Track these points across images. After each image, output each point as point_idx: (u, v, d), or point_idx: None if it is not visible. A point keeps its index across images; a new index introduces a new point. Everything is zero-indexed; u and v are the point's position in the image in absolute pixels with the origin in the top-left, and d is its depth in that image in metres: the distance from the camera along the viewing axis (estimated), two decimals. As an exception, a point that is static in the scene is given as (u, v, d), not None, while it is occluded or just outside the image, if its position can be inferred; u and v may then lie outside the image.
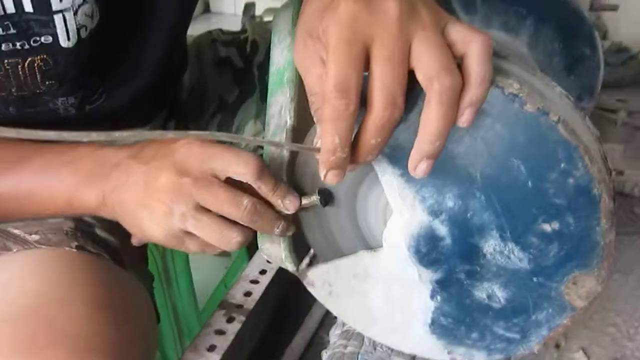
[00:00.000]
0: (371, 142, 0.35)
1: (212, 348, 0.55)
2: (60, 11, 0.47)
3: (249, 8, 2.09)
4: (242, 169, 0.42)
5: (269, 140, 0.45)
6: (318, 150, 0.37)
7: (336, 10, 0.34)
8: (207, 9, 3.32)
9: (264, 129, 0.79)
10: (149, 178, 0.44)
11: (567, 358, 0.53)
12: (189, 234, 0.44)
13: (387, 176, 0.41)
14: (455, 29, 0.35)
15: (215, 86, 0.78)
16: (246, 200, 0.42)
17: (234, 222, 0.43)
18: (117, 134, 0.32)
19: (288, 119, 0.48)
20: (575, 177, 0.36)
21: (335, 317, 0.66)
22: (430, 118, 0.33)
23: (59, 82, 0.52)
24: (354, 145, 0.36)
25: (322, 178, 0.37)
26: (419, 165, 0.35)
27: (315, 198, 0.44)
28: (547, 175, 0.36)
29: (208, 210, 0.43)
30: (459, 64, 0.34)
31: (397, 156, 0.40)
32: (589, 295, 0.40)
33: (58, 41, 0.48)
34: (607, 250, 0.38)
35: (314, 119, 0.39)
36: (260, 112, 0.78)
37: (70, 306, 0.46)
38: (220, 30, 0.86)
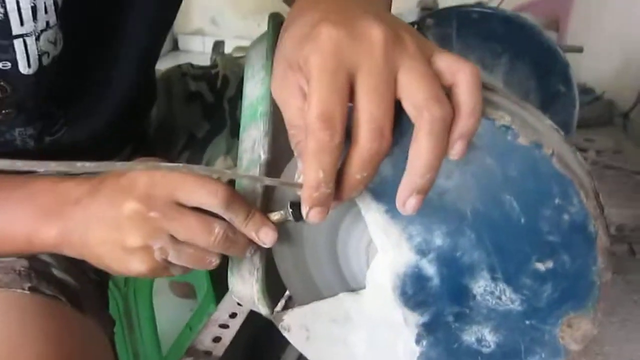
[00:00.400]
0: (357, 177, 0.33)
1: (217, 339, 0.52)
2: (21, 36, 0.44)
3: (218, 46, 2.10)
4: (209, 199, 0.40)
5: (247, 174, 0.43)
6: (300, 185, 0.34)
7: (318, 38, 0.32)
8: (175, 47, 3.33)
9: (234, 164, 0.77)
10: (114, 215, 0.41)
11: (556, 404, 0.50)
12: (171, 263, 0.43)
13: (372, 213, 0.39)
14: (442, 58, 0.33)
15: (185, 121, 0.76)
16: (217, 228, 0.40)
17: None
18: (79, 164, 0.29)
19: (262, 153, 0.46)
20: (570, 213, 0.34)
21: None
22: (421, 150, 0.32)
23: (17, 110, 0.49)
24: (337, 181, 0.33)
25: (305, 216, 0.34)
26: (408, 200, 0.33)
27: (285, 212, 0.41)
28: (541, 211, 0.35)
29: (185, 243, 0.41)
30: (447, 94, 0.33)
31: (381, 191, 0.38)
32: (584, 339, 0.38)
33: (17, 67, 0.45)
34: (603, 290, 0.36)
35: (295, 153, 0.37)
36: (231, 148, 0.77)
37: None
38: (190, 64, 0.84)
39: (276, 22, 0.58)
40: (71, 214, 0.44)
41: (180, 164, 0.33)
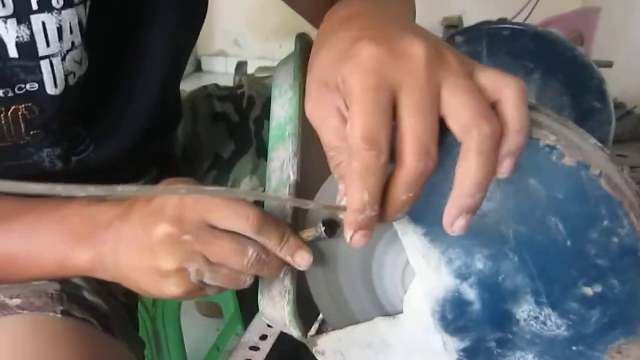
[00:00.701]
0: (402, 198, 0.32)
1: None
2: (47, 57, 0.44)
3: (240, 66, 2.12)
4: (239, 223, 0.39)
5: (292, 198, 0.42)
6: (344, 209, 0.33)
7: (358, 56, 0.32)
8: (198, 68, 3.37)
9: (260, 184, 0.77)
10: (146, 238, 0.41)
11: None
12: (207, 284, 0.42)
13: (409, 236, 0.38)
14: (485, 74, 0.32)
15: (210, 141, 0.77)
16: (250, 251, 0.40)
17: None
18: (119, 189, 0.28)
19: (291, 173, 0.46)
20: (620, 235, 0.33)
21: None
22: (470, 169, 0.31)
23: (44, 131, 0.49)
24: (382, 202, 0.32)
25: (349, 240, 0.33)
26: (456, 221, 0.32)
27: (318, 230, 0.40)
28: (588, 234, 0.34)
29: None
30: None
31: (420, 213, 0.37)
32: (636, 367, 0.36)
33: (44, 88, 0.46)
34: (655, 316, 0.34)
35: (335, 175, 0.36)
36: (257, 168, 0.76)
37: None
38: (216, 85, 0.85)
39: (303, 43, 0.58)
40: (104, 238, 0.44)
41: (223, 188, 0.33)
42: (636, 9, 1.54)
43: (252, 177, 0.77)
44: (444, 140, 0.32)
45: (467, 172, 0.31)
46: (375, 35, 0.33)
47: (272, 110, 0.54)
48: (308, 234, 0.41)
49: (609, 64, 1.08)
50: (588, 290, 0.35)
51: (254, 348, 0.60)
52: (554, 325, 0.37)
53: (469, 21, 2.08)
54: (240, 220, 0.39)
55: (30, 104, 0.46)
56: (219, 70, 3.19)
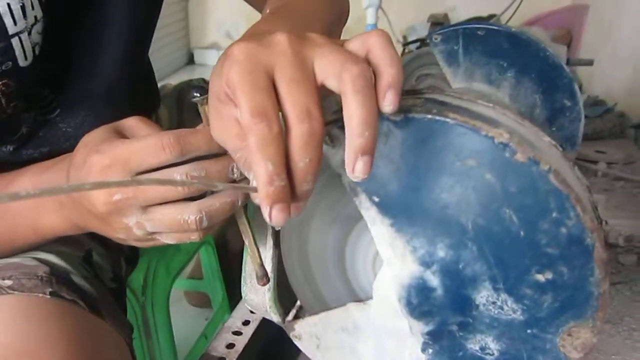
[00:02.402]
0: (301, 165, 0.32)
1: (230, 346, 0.53)
2: (16, 34, 0.47)
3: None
4: (162, 157, 0.38)
5: (200, 182, 0.41)
6: (255, 189, 0.33)
7: (230, 55, 0.34)
8: (191, 61, 3.38)
9: (242, 174, 0.79)
10: (89, 208, 0.42)
11: (562, 413, 0.51)
12: (155, 233, 0.41)
13: (377, 226, 0.41)
14: (352, 40, 0.35)
15: None
16: (175, 174, 0.38)
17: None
18: (23, 193, 0.26)
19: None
20: (567, 226, 0.36)
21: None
22: (351, 110, 0.32)
23: (22, 100, 0.52)
24: (288, 177, 0.33)
25: (268, 219, 0.33)
26: (355, 165, 0.33)
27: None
28: (539, 225, 0.36)
29: (158, 205, 0.40)
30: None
31: (386, 206, 0.40)
32: (584, 347, 0.39)
33: (17, 63, 0.48)
34: (601, 300, 0.37)
35: (244, 171, 0.37)
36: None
37: None
38: (203, 79, 0.87)
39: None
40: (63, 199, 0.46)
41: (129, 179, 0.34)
42: (624, 6, 1.56)
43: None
44: (410, 135, 0.35)
45: (349, 113, 0.32)
46: (246, 38, 0.36)
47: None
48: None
49: (590, 63, 1.10)
50: (540, 277, 0.38)
51: (237, 333, 0.62)
52: (510, 309, 0.39)
53: (459, 17, 2.09)
54: (160, 153, 0.38)
55: (6, 81, 0.49)
56: (212, 63, 3.19)
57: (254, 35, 0.37)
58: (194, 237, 0.41)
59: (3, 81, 0.48)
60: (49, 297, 0.48)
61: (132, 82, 0.63)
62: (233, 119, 0.35)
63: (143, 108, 0.73)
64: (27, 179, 0.50)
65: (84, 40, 0.56)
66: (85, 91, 0.58)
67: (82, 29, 0.56)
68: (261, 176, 0.32)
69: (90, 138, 0.42)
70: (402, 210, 0.40)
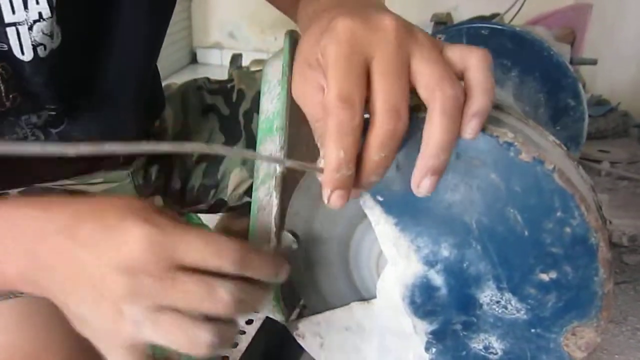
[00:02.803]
0: (375, 159, 0.33)
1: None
2: (13, 24, 0.47)
3: (235, 59, 2.14)
4: (215, 262, 0.35)
5: (271, 157, 0.42)
6: (321, 169, 0.34)
7: (334, 30, 0.34)
8: (194, 60, 3.38)
9: (249, 176, 0.79)
10: (91, 272, 0.35)
11: (565, 413, 0.51)
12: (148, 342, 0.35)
13: (381, 225, 0.41)
14: (453, 48, 0.35)
15: (200, 133, 0.78)
16: (222, 290, 0.34)
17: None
18: (107, 146, 0.28)
19: (277, 166, 0.48)
20: (572, 226, 0.36)
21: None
22: (434, 130, 0.32)
23: (20, 95, 0.51)
24: (357, 165, 0.34)
25: (326, 201, 0.34)
26: (422, 182, 0.34)
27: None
28: (543, 224, 0.36)
29: (167, 310, 0.34)
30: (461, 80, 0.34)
31: (391, 204, 0.40)
32: (588, 347, 0.39)
33: (12, 52, 0.48)
34: (606, 300, 0.37)
35: (318, 144, 0.37)
36: (246, 160, 0.78)
37: None
38: (207, 79, 0.87)
39: (293, 39, 0.60)
40: (34, 254, 0.37)
41: (205, 145, 0.32)
42: (627, 5, 1.56)
43: (242, 169, 0.79)
44: (413, 131, 0.35)
45: (431, 133, 0.32)
46: (351, 12, 0.35)
47: (261, 105, 0.56)
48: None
49: (593, 62, 1.10)
50: (544, 277, 0.38)
51: (240, 332, 0.63)
52: (514, 309, 0.39)
53: (461, 16, 2.09)
54: (219, 258, 0.35)
55: (4, 64, 0.49)
56: (214, 63, 3.20)
57: (357, 11, 0.35)
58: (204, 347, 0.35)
59: (2, 64, 0.48)
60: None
61: (140, 89, 0.63)
62: (317, 86, 0.36)
63: (150, 112, 0.73)
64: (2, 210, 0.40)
65: (99, 48, 0.56)
66: (93, 104, 0.58)
67: (97, 36, 0.55)
68: (330, 162, 0.32)
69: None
70: (406, 210, 0.40)
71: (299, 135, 0.52)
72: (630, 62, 1.28)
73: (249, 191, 0.81)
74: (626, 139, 1.13)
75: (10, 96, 0.50)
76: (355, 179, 0.34)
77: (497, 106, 0.39)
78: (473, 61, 0.34)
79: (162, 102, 0.76)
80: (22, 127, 0.53)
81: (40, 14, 0.47)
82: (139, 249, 0.33)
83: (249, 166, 0.79)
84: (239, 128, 0.78)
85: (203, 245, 0.34)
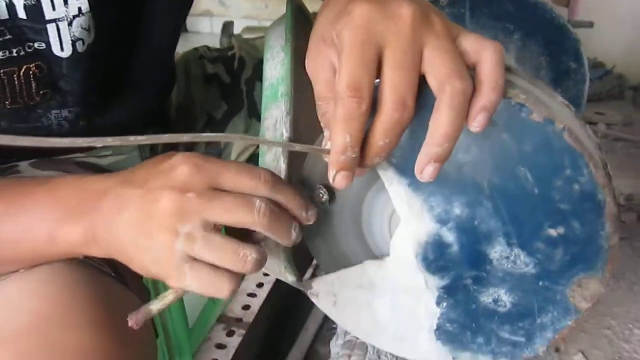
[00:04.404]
0: (380, 144, 0.35)
1: None
2: (54, 20, 0.47)
3: (227, 27, 2.11)
4: (253, 183, 0.39)
5: (281, 142, 0.44)
6: (328, 152, 0.36)
7: (351, 14, 0.35)
8: (184, 29, 3.34)
9: (253, 145, 0.80)
10: (147, 202, 0.39)
11: (568, 362, 0.54)
12: (191, 261, 0.38)
13: (395, 186, 0.42)
14: (467, 38, 0.36)
15: (203, 103, 0.79)
16: (258, 202, 0.38)
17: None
18: (132, 138, 0.32)
19: (284, 132, 0.49)
20: (580, 183, 0.37)
21: (331, 330, 0.66)
22: (441, 121, 0.34)
23: (52, 91, 0.52)
24: (362, 148, 0.35)
25: (332, 181, 0.36)
26: (426, 168, 0.36)
27: (320, 195, 0.43)
28: (553, 182, 0.38)
29: (218, 231, 0.38)
30: (472, 74, 0.35)
31: (404, 166, 0.41)
32: (593, 298, 0.41)
33: (51, 49, 0.48)
34: (611, 253, 0.39)
35: (322, 123, 0.39)
36: (249, 128, 0.79)
37: (72, 326, 0.44)
38: (207, 47, 0.87)
39: (295, 6, 0.60)
40: (97, 208, 0.41)
41: (221, 135, 0.35)
42: (622, -33, 1.55)
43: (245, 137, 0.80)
44: (427, 98, 0.36)
45: (438, 124, 0.34)
46: None
47: (265, 72, 0.57)
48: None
49: (589, 25, 1.11)
50: (553, 232, 0.39)
51: (252, 295, 0.65)
52: (523, 264, 0.41)
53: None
54: (254, 179, 0.38)
55: (39, 63, 0.49)
56: (205, 31, 3.15)
57: None
58: (225, 291, 0.38)
59: (36, 63, 0.48)
60: (75, 264, 0.49)
61: (164, 78, 0.65)
62: (329, 64, 0.37)
63: (169, 89, 0.74)
64: (67, 179, 0.45)
65: (129, 43, 0.56)
66: (126, 95, 0.59)
67: (128, 33, 0.56)
68: (337, 145, 0.34)
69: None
70: (420, 170, 0.41)
71: (303, 101, 0.53)
72: (625, 25, 1.29)
73: (252, 158, 0.82)
74: (621, 102, 1.15)
75: (41, 92, 0.50)
76: (360, 159, 0.35)
77: (507, 68, 0.40)
78: (486, 55, 0.35)
79: (175, 80, 0.76)
80: (48, 118, 0.54)
81: (80, 9, 0.47)
82: (185, 171, 0.38)
83: (251, 133, 0.79)
84: (242, 96, 0.79)
85: (240, 169, 0.39)
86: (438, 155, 0.35)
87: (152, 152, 0.72)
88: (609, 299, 0.61)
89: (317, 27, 0.40)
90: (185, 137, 0.35)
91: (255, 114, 0.80)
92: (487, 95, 0.34)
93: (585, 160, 0.37)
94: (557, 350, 0.54)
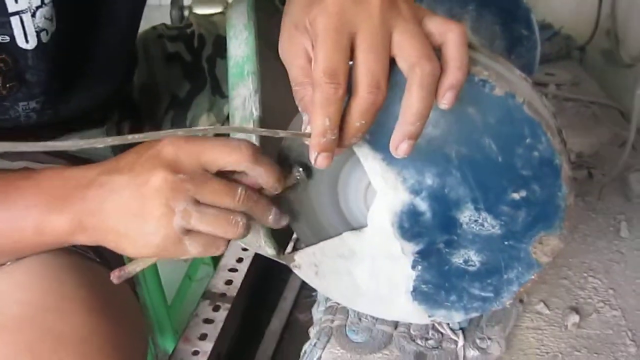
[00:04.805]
0: (356, 125, 0.37)
1: (203, 337, 0.58)
2: (17, 13, 0.47)
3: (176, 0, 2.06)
4: (234, 156, 0.41)
5: (266, 129, 0.45)
6: (309, 135, 0.39)
7: (323, 2, 0.37)
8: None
9: (217, 120, 0.81)
10: (138, 184, 0.41)
11: (531, 310, 0.59)
12: (189, 234, 0.41)
13: (370, 161, 0.45)
14: (432, 20, 0.38)
15: (166, 82, 0.79)
16: (240, 188, 0.41)
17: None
18: (130, 137, 0.33)
19: (254, 109, 0.50)
20: (539, 150, 0.41)
21: (308, 298, 0.69)
22: (412, 101, 0.37)
23: (19, 84, 0.51)
24: (340, 129, 0.38)
25: (313, 162, 0.39)
26: (400, 145, 0.38)
27: (298, 173, 0.46)
28: (515, 150, 0.41)
29: (204, 204, 0.41)
30: (437, 54, 0.38)
31: (377, 142, 0.44)
32: (553, 252, 0.45)
33: (15, 42, 0.48)
34: (568, 211, 0.43)
35: (299, 107, 0.41)
36: (213, 105, 0.80)
37: (66, 312, 0.46)
38: (165, 25, 0.86)
39: (256, -17, 0.60)
40: (84, 196, 0.43)
41: (210, 127, 0.37)
42: None
43: (209, 115, 0.80)
44: (396, 78, 0.38)
45: (409, 103, 0.37)
46: None
47: (229, 50, 0.57)
48: (290, 181, 0.46)
49: (537, -12, 1.14)
50: (516, 196, 0.43)
51: (233, 270, 0.67)
52: (490, 225, 0.45)
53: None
54: (235, 152, 0.41)
55: (4, 56, 0.48)
56: (153, 3, 3.05)
57: None
58: (222, 248, 0.42)
59: (1, 57, 0.48)
60: (60, 253, 0.50)
61: (127, 61, 0.65)
62: (302, 49, 0.39)
63: (131, 71, 0.73)
64: (52, 170, 0.47)
65: (91, 29, 0.56)
66: (90, 80, 0.59)
67: (89, 19, 0.55)
68: (317, 128, 0.37)
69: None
70: (392, 146, 0.43)
71: (265, 77, 0.54)
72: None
73: (217, 136, 0.83)
74: (569, 61, 1.19)
75: (8, 85, 0.50)
76: (338, 140, 0.38)
77: (469, 45, 0.43)
78: (450, 36, 0.37)
79: (136, 61, 0.76)
80: (16, 110, 0.53)
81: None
82: (172, 152, 0.40)
83: (215, 111, 0.80)
84: (204, 74, 0.79)
85: (223, 143, 0.41)
86: (411, 132, 0.37)
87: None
88: (565, 251, 0.66)
89: (288, 13, 0.41)
90: (180, 132, 0.37)
91: (218, 91, 0.80)
92: (453, 74, 0.37)
93: (543, 129, 0.40)
94: (521, 301, 0.59)
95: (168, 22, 0.97)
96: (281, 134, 0.41)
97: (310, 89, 0.39)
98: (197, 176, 0.41)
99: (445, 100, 0.37)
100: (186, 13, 1.18)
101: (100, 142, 0.32)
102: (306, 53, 0.40)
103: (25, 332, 0.44)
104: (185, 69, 0.80)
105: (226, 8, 1.05)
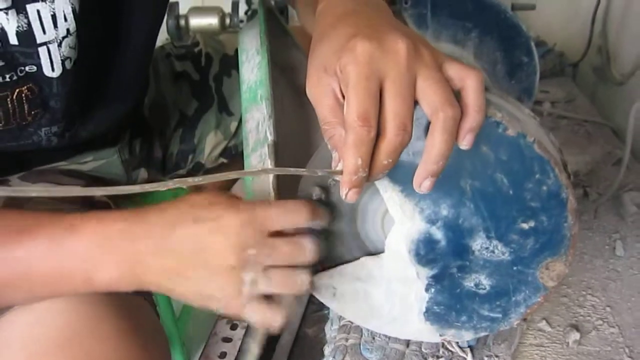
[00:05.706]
0: (384, 163, 0.41)
1: (223, 355, 0.60)
2: (44, 43, 0.49)
3: (173, 8, 2.07)
4: (296, 218, 0.45)
5: (306, 169, 0.47)
6: (340, 172, 0.41)
7: (354, 51, 0.40)
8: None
9: (224, 138, 0.83)
10: (202, 245, 0.44)
11: (534, 328, 0.62)
12: (254, 299, 0.44)
13: (389, 192, 0.48)
14: (452, 66, 0.41)
15: (174, 100, 0.81)
16: (306, 242, 0.45)
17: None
18: (147, 186, 0.35)
19: (268, 134, 0.52)
20: (548, 184, 0.44)
21: (316, 312, 0.72)
22: (435, 142, 0.40)
23: (43, 110, 0.54)
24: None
25: (344, 197, 0.41)
26: (424, 182, 0.42)
27: (316, 195, 0.49)
28: (525, 184, 0.44)
29: (272, 267, 0.44)
30: (456, 96, 0.41)
31: (397, 175, 0.46)
32: (559, 277, 0.48)
33: (42, 71, 0.50)
34: (572, 240, 0.46)
35: (329, 145, 0.44)
36: (220, 123, 0.82)
37: (102, 337, 0.48)
38: (172, 44, 0.88)
39: (266, 7, 0.63)
40: (135, 252, 0.45)
41: (221, 174, 0.39)
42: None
43: (217, 132, 0.83)
44: (417, 116, 0.41)
45: (433, 144, 0.40)
46: (368, 32, 0.41)
47: (241, 74, 0.60)
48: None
49: (532, 7, 1.18)
50: (525, 226, 0.46)
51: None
52: (500, 252, 0.48)
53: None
54: (296, 215, 0.45)
55: (31, 85, 0.51)
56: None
57: (372, 24, 0.42)
58: (279, 319, 0.45)
59: (28, 85, 0.50)
60: None
61: (143, 82, 0.67)
62: (330, 90, 0.42)
63: (143, 92, 0.75)
64: (89, 229, 0.46)
65: (110, 56, 0.59)
66: (108, 104, 0.61)
67: (109, 47, 0.58)
68: (349, 167, 0.40)
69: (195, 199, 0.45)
70: (411, 178, 0.46)
71: (277, 100, 0.56)
72: (563, 4, 1.37)
73: (224, 153, 0.85)
74: (562, 78, 1.23)
75: (33, 112, 0.52)
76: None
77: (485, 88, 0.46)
78: (469, 82, 0.41)
79: (148, 84, 0.78)
80: (39, 135, 0.56)
81: (68, 29, 0.49)
82: (236, 224, 0.43)
83: (222, 129, 0.83)
84: (211, 92, 0.82)
85: (281, 210, 0.44)
86: (434, 170, 0.41)
87: (131, 155, 0.75)
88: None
89: (316, 56, 0.44)
90: (209, 178, 0.39)
91: (224, 108, 0.83)
92: (473, 118, 0.40)
93: (551, 166, 0.43)
94: (525, 319, 0.62)
95: (165, 32, 0.99)
96: (319, 173, 0.44)
97: (339, 129, 0.41)
98: (266, 246, 0.44)
99: (465, 142, 0.41)
100: (182, 22, 1.20)
101: (115, 190, 0.34)
102: (334, 94, 0.42)
103: (65, 354, 0.46)
104: (193, 87, 0.82)
105: (222, 17, 1.07)
